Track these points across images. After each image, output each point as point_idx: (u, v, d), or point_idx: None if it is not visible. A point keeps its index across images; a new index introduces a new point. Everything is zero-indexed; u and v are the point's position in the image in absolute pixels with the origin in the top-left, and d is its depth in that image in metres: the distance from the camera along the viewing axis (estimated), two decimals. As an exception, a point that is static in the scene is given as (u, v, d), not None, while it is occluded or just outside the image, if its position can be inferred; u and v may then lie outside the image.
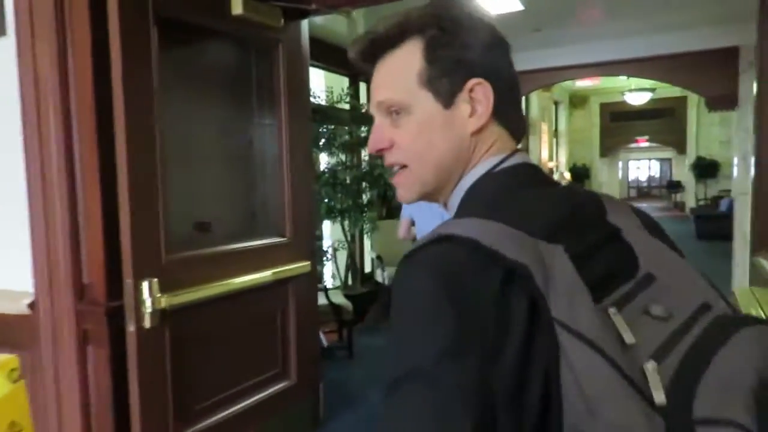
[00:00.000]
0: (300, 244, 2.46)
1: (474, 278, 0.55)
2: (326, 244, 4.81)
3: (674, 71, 5.52)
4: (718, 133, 14.82)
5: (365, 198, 4.71)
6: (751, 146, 2.91)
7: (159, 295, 1.82)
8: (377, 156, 0.78)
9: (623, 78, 11.67)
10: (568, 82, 12.26)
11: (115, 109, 1.74)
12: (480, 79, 0.71)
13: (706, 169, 14.88)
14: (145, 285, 1.79)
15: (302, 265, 2.44)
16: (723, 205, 10.46)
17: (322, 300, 3.65)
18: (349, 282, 4.80)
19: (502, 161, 0.73)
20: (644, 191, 25.83)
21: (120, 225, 1.77)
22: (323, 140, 4.42)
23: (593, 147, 17.41)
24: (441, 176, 0.75)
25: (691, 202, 15.69)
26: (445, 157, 0.74)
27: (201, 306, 2.00)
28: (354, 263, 4.86)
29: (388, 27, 0.73)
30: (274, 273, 2.26)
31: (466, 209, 0.72)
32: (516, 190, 0.70)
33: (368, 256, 5.59)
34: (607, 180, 19.15)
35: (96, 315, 1.87)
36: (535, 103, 12.74)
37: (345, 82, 5.39)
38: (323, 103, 4.63)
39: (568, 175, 15.34)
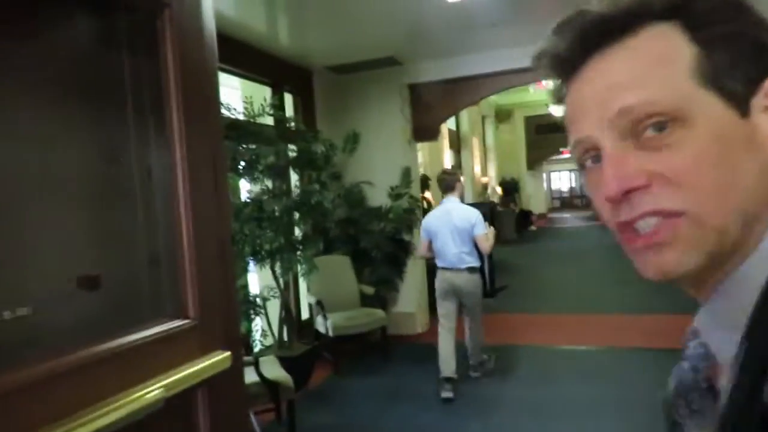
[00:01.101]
0: (212, 324, 1.55)
1: None
2: (253, 292, 3.84)
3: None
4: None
5: (299, 232, 3.82)
6: None
7: None
8: (616, 203, 0.46)
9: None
10: (494, 96, 12.00)
11: None
12: None
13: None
14: None
15: (218, 360, 1.52)
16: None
17: (251, 376, 2.71)
18: (285, 338, 3.85)
19: None
20: (566, 202, 26.47)
21: None
22: (243, 163, 3.49)
23: (520, 160, 17.46)
24: (746, 225, 0.44)
25: (617, 211, 15.88)
26: (753, 194, 0.44)
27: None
28: (289, 314, 3.91)
29: (621, 3, 0.47)
30: (166, 386, 1.34)
31: None
32: None
33: (305, 300, 4.66)
34: (534, 192, 19.44)
35: None
36: (465, 118, 12.35)
37: (267, 92, 4.49)
38: (241, 117, 3.71)
39: (499, 190, 15.09)
